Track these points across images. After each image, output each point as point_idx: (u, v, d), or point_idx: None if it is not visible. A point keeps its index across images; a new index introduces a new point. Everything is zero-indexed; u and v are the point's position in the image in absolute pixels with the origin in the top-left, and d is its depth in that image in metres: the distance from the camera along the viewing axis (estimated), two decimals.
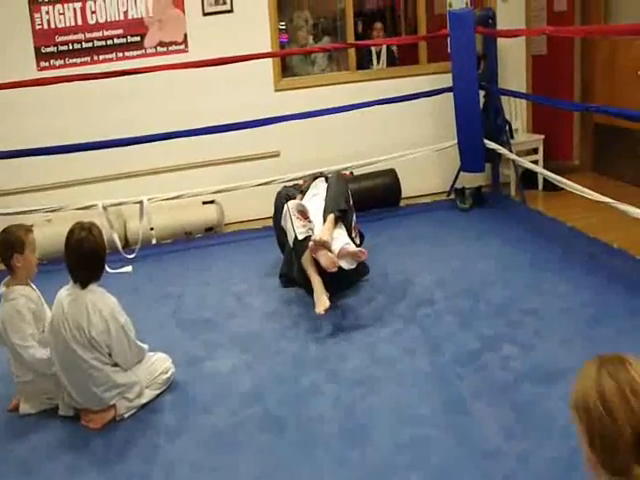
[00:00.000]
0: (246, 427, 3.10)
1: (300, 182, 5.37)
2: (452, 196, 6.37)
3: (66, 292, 3.18)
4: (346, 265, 4.12)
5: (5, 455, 3.05)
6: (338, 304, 4.30)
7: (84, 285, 3.15)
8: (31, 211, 5.43)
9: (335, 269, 4.02)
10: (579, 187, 4.83)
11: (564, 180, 5.07)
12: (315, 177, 5.16)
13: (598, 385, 1.47)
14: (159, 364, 3.44)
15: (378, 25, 7.08)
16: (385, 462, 2.76)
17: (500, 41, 6.15)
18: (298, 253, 4.27)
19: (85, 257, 3.13)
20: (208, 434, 3.08)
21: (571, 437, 2.14)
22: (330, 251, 4.06)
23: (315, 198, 4.75)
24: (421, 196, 6.56)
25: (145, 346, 3.40)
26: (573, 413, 1.52)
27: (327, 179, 4.96)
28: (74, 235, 3.13)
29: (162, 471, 2.84)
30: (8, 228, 3.38)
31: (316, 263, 4.13)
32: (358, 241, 4.65)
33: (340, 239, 4.20)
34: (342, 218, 4.41)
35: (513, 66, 6.64)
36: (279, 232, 4.75)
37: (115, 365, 3.22)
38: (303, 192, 4.97)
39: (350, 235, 4.43)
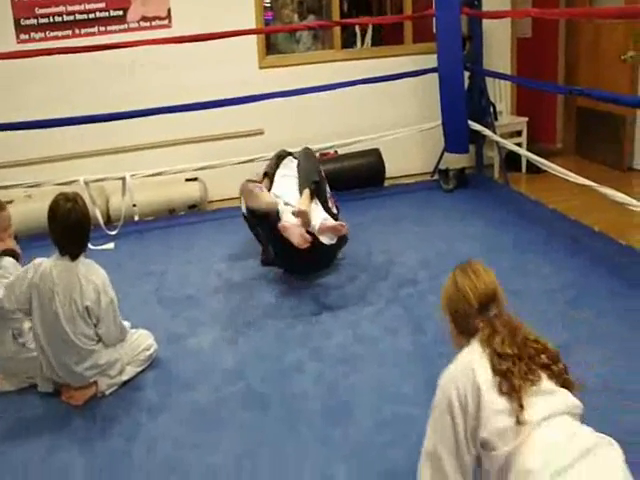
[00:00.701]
0: (229, 404, 3.11)
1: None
2: (436, 177, 6.38)
3: (51, 264, 3.12)
4: (327, 240, 4.09)
5: None
6: (321, 282, 4.30)
7: (74, 257, 3.12)
8: (11, 186, 5.36)
9: (307, 244, 3.96)
10: (562, 170, 4.86)
11: (547, 163, 5.09)
12: (280, 156, 4.85)
13: (453, 280, 2.12)
14: (141, 341, 3.43)
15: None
16: (367, 440, 2.78)
17: (485, 22, 6.13)
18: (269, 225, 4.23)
19: (73, 228, 3.09)
20: (190, 411, 3.08)
21: None
22: (309, 224, 4.03)
23: (284, 179, 4.57)
24: (405, 176, 6.57)
25: (127, 324, 3.39)
26: (442, 311, 2.16)
27: (295, 157, 4.81)
28: (60, 206, 3.08)
29: (144, 448, 2.84)
30: None
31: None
32: (335, 211, 4.62)
33: (318, 214, 4.17)
34: (317, 191, 4.34)
35: (498, 48, 6.64)
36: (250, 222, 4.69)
37: (98, 342, 3.20)
38: (269, 174, 4.70)
39: (327, 207, 4.41)
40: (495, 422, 1.84)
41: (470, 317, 2.05)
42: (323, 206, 4.35)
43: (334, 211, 4.57)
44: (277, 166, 4.72)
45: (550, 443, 1.78)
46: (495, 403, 1.86)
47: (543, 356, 1.94)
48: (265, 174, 4.71)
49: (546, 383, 1.90)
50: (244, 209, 4.57)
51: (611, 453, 1.81)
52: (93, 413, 3.11)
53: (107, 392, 3.24)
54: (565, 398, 1.90)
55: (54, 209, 3.10)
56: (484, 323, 2.02)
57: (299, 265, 4.37)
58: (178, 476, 2.66)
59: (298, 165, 4.58)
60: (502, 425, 1.83)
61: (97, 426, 3.01)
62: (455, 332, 2.15)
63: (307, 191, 4.24)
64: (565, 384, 1.95)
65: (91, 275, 3.12)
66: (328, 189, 4.66)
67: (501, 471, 1.84)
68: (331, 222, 4.11)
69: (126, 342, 3.34)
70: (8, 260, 3.36)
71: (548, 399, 1.87)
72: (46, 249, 3.23)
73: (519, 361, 1.90)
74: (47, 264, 3.13)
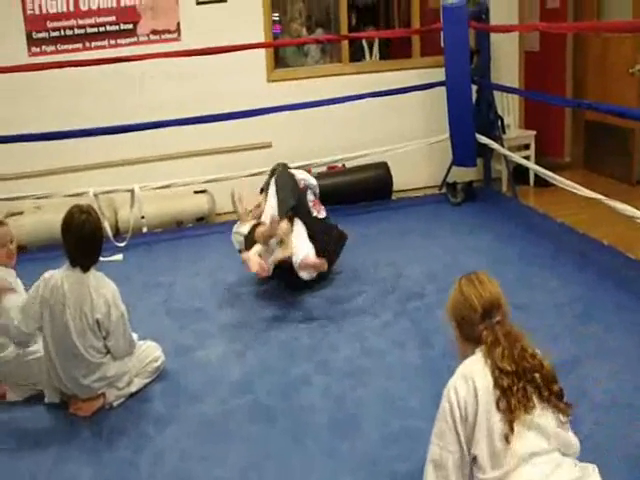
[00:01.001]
0: (236, 416, 3.11)
1: None
2: (444, 190, 6.38)
3: (62, 276, 3.12)
4: (307, 276, 4.16)
5: None
6: (328, 295, 4.31)
7: (86, 269, 3.12)
8: (21, 197, 5.41)
9: (265, 274, 4.09)
10: (570, 183, 4.86)
11: (555, 176, 5.09)
12: (273, 171, 4.78)
13: (458, 288, 2.17)
14: (149, 352, 3.44)
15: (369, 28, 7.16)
16: (374, 453, 2.77)
17: (493, 36, 6.15)
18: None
19: (86, 240, 3.10)
20: (197, 423, 3.08)
21: None
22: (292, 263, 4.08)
23: (273, 199, 4.49)
24: (413, 190, 6.57)
25: (135, 336, 3.39)
26: (447, 317, 2.21)
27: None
28: (74, 218, 3.09)
29: (151, 459, 2.84)
30: None
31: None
32: (323, 215, 4.64)
33: (301, 247, 4.14)
34: (296, 210, 4.31)
35: (506, 62, 6.65)
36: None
37: (107, 354, 3.20)
38: (264, 189, 4.70)
39: (310, 217, 4.45)
40: (487, 442, 1.90)
41: (474, 324, 2.10)
42: (305, 219, 4.37)
43: (321, 216, 4.59)
44: (268, 184, 4.67)
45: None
46: (489, 421, 1.91)
47: (537, 375, 1.98)
48: (262, 190, 4.74)
49: (539, 413, 1.93)
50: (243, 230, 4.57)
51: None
52: (100, 425, 3.11)
53: (115, 404, 3.24)
54: (558, 437, 1.93)
55: (68, 221, 3.11)
56: (487, 331, 2.07)
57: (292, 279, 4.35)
58: None
59: (276, 188, 4.49)
60: (492, 447, 1.89)
61: (104, 438, 3.01)
62: (460, 339, 2.20)
63: (284, 223, 4.17)
64: (557, 408, 1.97)
65: (102, 288, 3.13)
66: (312, 197, 4.68)
67: None
68: (312, 259, 4.09)
69: (134, 354, 3.34)
70: None
71: (539, 435, 1.91)
72: (54, 260, 3.26)
73: (517, 381, 1.95)
74: (58, 276, 3.12)
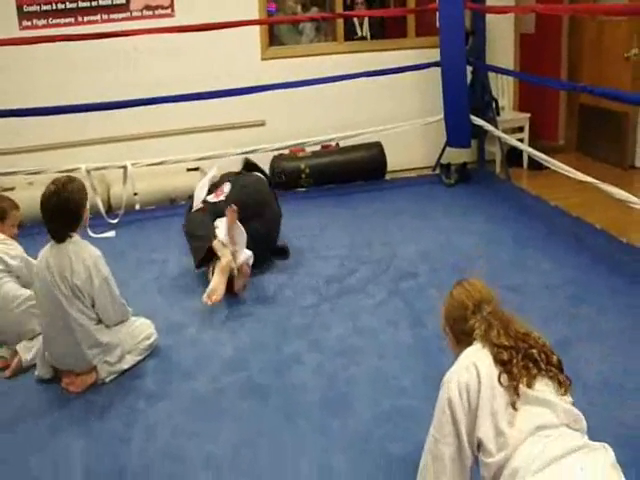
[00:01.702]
0: (228, 394, 3.11)
1: None
2: (437, 171, 6.37)
3: (47, 249, 3.18)
4: (239, 284, 4.06)
5: None
6: (322, 274, 4.30)
7: (59, 240, 3.13)
8: (13, 173, 5.36)
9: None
10: (564, 166, 4.86)
11: (549, 159, 5.09)
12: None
13: (449, 294, 2.23)
14: (142, 329, 3.43)
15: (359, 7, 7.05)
16: (366, 432, 2.78)
17: (489, 17, 6.12)
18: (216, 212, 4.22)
19: (53, 211, 3.10)
20: (190, 400, 3.08)
21: None
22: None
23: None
24: (407, 170, 6.56)
25: (129, 309, 3.40)
26: (443, 323, 2.26)
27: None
28: (45, 191, 3.12)
29: (143, 434, 2.84)
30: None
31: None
32: (221, 198, 4.48)
33: (240, 251, 4.07)
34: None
35: (501, 43, 6.63)
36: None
37: (99, 322, 3.21)
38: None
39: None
40: (491, 423, 1.88)
41: (467, 319, 2.13)
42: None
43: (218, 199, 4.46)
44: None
45: (540, 450, 1.80)
46: (493, 401, 1.89)
47: (534, 350, 1.98)
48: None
49: (542, 388, 1.92)
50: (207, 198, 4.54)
51: (602, 451, 1.84)
52: (93, 400, 3.11)
53: (107, 379, 3.24)
54: (565, 411, 1.91)
55: (42, 194, 3.13)
56: (479, 322, 2.09)
57: None
58: (177, 463, 2.66)
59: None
60: (497, 428, 1.87)
61: (97, 412, 3.01)
62: (454, 342, 2.24)
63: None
64: (559, 381, 1.97)
65: (82, 253, 3.13)
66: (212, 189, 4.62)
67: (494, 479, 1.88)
68: (247, 269, 4.08)
69: (127, 328, 3.34)
70: None
71: (545, 409, 1.89)
72: (47, 236, 3.23)
73: (516, 354, 1.95)
74: (43, 252, 3.19)
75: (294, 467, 2.61)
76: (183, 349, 3.52)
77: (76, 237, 3.17)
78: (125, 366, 3.31)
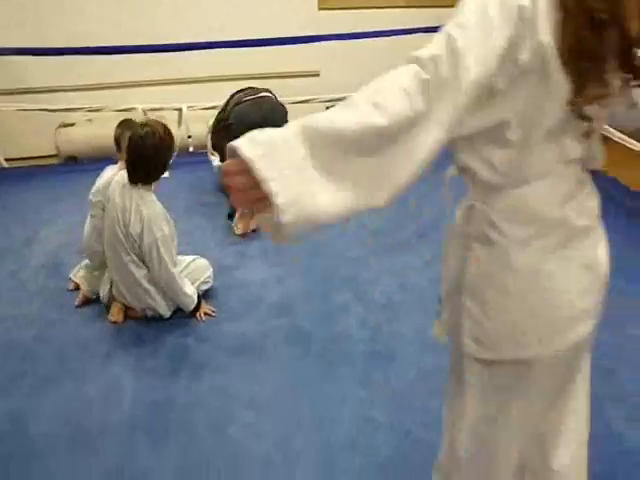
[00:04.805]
0: (272, 338, 3.17)
1: None
2: None
3: (117, 180, 3.19)
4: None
5: (43, 344, 3.16)
6: (370, 227, 4.27)
7: (133, 183, 3.12)
8: (73, 109, 5.44)
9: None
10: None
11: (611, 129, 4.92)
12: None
13: None
14: (200, 273, 3.46)
15: None
16: (407, 387, 2.81)
17: None
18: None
19: (138, 154, 3.06)
20: (235, 341, 3.15)
21: None
22: None
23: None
24: None
25: (189, 259, 3.45)
26: None
27: None
28: (139, 131, 3.07)
29: (189, 370, 2.93)
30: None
31: None
32: None
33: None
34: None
35: None
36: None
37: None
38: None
39: None
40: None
41: None
42: None
43: None
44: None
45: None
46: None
47: None
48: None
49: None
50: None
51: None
52: (144, 334, 3.22)
53: (163, 315, 3.29)
54: None
55: (135, 133, 3.08)
56: None
57: None
58: (222, 401, 2.75)
59: None
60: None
61: (147, 346, 3.12)
62: None
63: None
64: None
65: (143, 206, 3.09)
66: None
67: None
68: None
69: (186, 270, 3.38)
70: None
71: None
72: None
73: None
74: (114, 183, 3.21)
75: (333, 416, 2.65)
76: (231, 291, 3.58)
77: (146, 188, 3.14)
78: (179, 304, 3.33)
